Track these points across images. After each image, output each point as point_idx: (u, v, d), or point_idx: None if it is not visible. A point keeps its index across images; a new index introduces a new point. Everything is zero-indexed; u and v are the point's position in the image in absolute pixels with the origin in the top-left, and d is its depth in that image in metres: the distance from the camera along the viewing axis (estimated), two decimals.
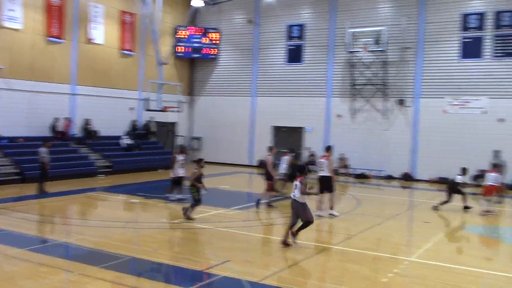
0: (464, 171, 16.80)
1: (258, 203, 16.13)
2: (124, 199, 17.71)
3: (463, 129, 24.31)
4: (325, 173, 15.10)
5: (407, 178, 25.28)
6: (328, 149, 15.85)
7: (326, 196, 15.09)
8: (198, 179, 13.91)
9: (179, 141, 30.76)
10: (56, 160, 20.99)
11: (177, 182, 16.81)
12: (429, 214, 16.17)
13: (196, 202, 13.93)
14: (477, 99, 24.04)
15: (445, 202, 16.52)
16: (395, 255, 11.00)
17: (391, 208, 17.47)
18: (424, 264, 10.30)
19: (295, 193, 11.16)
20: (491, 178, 16.54)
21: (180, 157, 16.79)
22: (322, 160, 15.45)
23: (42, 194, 17.45)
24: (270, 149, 17.08)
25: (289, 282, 8.97)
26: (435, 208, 16.57)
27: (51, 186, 18.28)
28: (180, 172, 16.67)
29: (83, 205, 16.68)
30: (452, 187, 16.72)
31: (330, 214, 15.00)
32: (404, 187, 23.76)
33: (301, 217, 11.17)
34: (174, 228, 13.21)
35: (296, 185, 11.23)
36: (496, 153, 19.75)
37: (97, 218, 14.55)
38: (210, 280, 9.04)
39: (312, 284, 8.89)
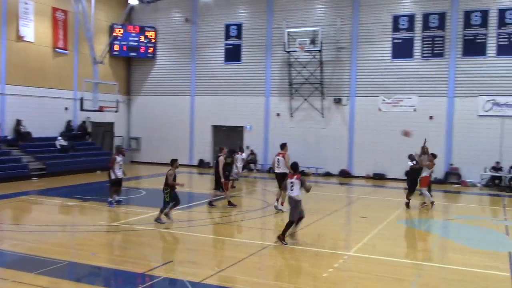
0: (410, 157, 17.44)
1: (210, 204, 16.21)
2: (60, 202, 17.15)
3: (397, 127, 25.23)
4: (281, 170, 15.54)
5: (345, 174, 25.99)
6: (283, 146, 16.23)
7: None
8: (174, 179, 13.66)
9: (117, 141, 30.11)
10: None
11: (117, 183, 16.20)
12: (366, 209, 16.71)
13: (175, 202, 13.60)
14: (409, 98, 25.07)
15: (407, 190, 17.31)
16: (334, 250, 11.30)
17: (330, 204, 17.89)
18: (362, 258, 10.65)
19: (294, 191, 11.45)
20: (424, 170, 17.27)
21: (118, 158, 16.18)
22: (278, 157, 15.85)
23: None
24: (220, 149, 16.99)
25: (231, 281, 9.03)
26: (423, 205, 16.93)
27: None
28: (118, 173, 16.06)
29: (17, 210, 15.99)
30: (412, 174, 17.30)
31: (280, 209, 15.24)
32: (342, 184, 24.41)
33: (291, 214, 11.49)
34: (113, 231, 12.94)
35: (292, 182, 11.49)
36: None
37: (32, 223, 14.02)
38: (151, 282, 8.94)
39: (254, 281, 8.98)
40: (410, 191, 17.04)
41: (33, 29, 25.13)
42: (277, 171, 15.86)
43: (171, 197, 13.51)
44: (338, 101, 26.44)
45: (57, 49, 26.48)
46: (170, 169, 13.80)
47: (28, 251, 10.43)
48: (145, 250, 11.01)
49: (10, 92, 24.20)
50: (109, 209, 15.61)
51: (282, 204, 15.41)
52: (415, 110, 24.96)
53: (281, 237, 11.49)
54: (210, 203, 16.33)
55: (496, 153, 23.41)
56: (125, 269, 9.53)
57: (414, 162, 16.97)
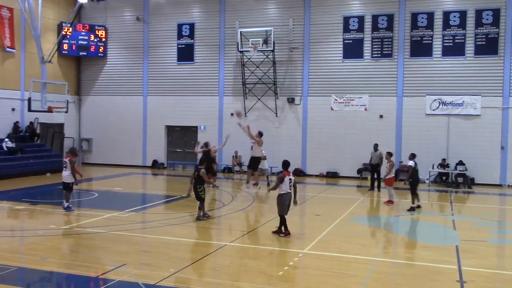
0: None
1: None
2: (8, 206, 16.58)
3: (348, 125, 25.80)
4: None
5: (299, 173, 26.27)
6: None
7: None
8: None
9: (68, 143, 29.35)
10: None
11: (70, 187, 15.49)
12: (320, 207, 16.99)
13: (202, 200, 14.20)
14: (360, 97, 25.62)
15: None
16: (289, 249, 11.44)
17: None
18: (316, 255, 10.84)
19: (288, 188, 12.23)
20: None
21: (73, 160, 15.44)
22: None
23: None
24: (206, 144, 18.90)
25: (187, 282, 9.00)
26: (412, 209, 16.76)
27: None
28: (70, 176, 15.32)
29: None
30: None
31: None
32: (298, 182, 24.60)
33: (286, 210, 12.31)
34: (64, 234, 12.63)
35: (290, 179, 12.31)
36: (376, 146, 21.18)
37: None
38: (105, 285, 8.79)
39: (210, 282, 8.99)
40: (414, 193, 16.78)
41: None
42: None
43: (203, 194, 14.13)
44: (291, 100, 26.73)
45: (6, 48, 25.58)
46: (202, 168, 14.40)
47: None
48: (98, 253, 10.81)
49: None
50: (60, 212, 15.22)
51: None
52: (366, 109, 25.55)
53: (278, 231, 12.38)
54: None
55: (443, 150, 24.29)
56: (78, 273, 9.33)
57: (412, 162, 16.70)
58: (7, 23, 25.83)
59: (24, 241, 12.09)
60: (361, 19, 25.65)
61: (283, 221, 12.44)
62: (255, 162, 19.11)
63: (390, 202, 17.61)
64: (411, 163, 16.63)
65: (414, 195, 16.68)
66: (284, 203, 12.42)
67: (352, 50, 25.77)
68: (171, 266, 9.82)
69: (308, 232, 13.51)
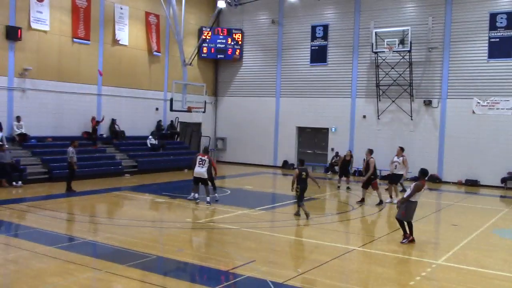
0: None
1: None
2: (150, 198, 17.87)
3: (492, 130, 23.87)
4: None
5: (434, 180, 24.88)
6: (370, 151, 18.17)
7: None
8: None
9: (204, 141, 30.92)
10: (84, 160, 21.35)
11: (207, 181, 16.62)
12: (457, 217, 15.90)
13: (298, 199, 14.66)
14: (506, 100, 23.58)
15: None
16: (422, 258, 10.82)
17: (418, 210, 17.23)
18: (451, 267, 10.14)
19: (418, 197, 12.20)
20: None
21: (204, 158, 16.43)
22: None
23: (70, 192, 17.72)
24: (371, 151, 18.19)
25: (313, 284, 8.93)
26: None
27: (79, 185, 18.56)
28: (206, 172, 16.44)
29: (110, 204, 16.88)
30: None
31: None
32: (430, 189, 23.37)
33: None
34: (198, 228, 13.27)
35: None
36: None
37: (124, 217, 14.71)
38: (234, 280, 9.05)
39: (337, 286, 8.82)
40: None
41: (127, 33, 26.43)
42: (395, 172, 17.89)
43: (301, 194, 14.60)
44: (428, 103, 25.43)
45: (154, 53, 27.69)
46: (298, 169, 14.76)
47: (120, 244, 10.95)
48: (229, 248, 11.18)
49: (106, 93, 25.60)
50: (195, 207, 16.04)
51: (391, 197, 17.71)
52: None
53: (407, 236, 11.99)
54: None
55: None
56: (209, 266, 9.72)
57: None
58: (154, 29, 27.90)
59: (163, 232, 12.91)
60: (510, 15, 23.57)
61: (410, 226, 12.03)
62: (397, 178, 18.20)
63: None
64: None
65: None
66: (413, 210, 12.10)
67: (499, 49, 23.76)
68: (298, 266, 9.83)
69: (444, 242, 12.71)
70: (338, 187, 21.74)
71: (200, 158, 16.46)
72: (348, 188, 21.28)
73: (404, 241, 11.88)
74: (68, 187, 18.02)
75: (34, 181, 19.95)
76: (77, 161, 18.49)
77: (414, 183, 12.09)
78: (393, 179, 18.10)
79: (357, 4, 27.51)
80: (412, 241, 11.92)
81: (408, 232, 12.00)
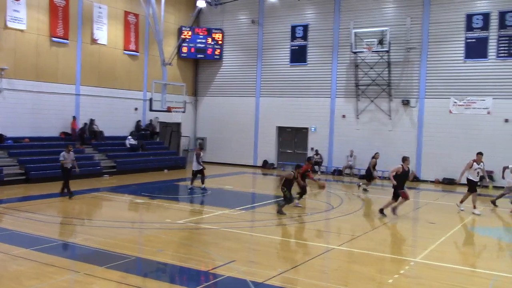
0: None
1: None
2: (129, 199, 17.74)
3: (469, 130, 24.24)
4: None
5: (412, 178, 25.16)
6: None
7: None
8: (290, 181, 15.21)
9: (184, 141, 30.83)
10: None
11: (198, 173, 19.83)
12: (434, 215, 16.13)
13: (287, 200, 15.15)
14: (482, 100, 23.98)
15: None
16: (400, 256, 10.95)
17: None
18: (429, 265, 10.28)
19: None
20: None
21: (201, 153, 20.19)
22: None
23: (69, 194, 17.12)
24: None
25: (294, 283, 8.96)
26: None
27: (56, 186, 18.30)
28: (199, 165, 19.66)
29: (89, 205, 16.69)
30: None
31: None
32: (408, 188, 23.60)
33: None
34: (178, 229, 13.21)
35: None
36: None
37: (103, 218, 14.57)
38: (215, 280, 9.04)
39: (317, 285, 8.86)
40: None
41: (106, 32, 26.18)
42: None
43: (290, 194, 15.19)
44: (406, 102, 25.73)
45: (128, 52, 27.45)
46: (292, 171, 15.52)
47: (98, 246, 10.84)
48: (209, 248, 11.16)
49: (84, 92, 25.32)
50: (176, 207, 15.97)
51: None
52: (489, 113, 23.85)
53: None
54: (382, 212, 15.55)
55: None
56: (189, 266, 9.70)
57: None
58: (133, 28, 27.68)
59: (143, 233, 12.83)
60: (486, 16, 23.97)
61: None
62: (472, 184, 16.78)
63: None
64: None
65: None
66: None
67: (475, 50, 24.16)
68: (279, 266, 9.85)
69: (421, 240, 12.88)
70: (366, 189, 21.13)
71: (199, 154, 19.90)
72: (365, 190, 21.03)
73: None
74: (62, 188, 17.48)
75: (11, 182, 19.63)
76: (73, 165, 17.56)
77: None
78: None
79: (337, 5, 27.69)
80: None
81: None
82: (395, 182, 14.82)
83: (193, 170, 20.09)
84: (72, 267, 9.46)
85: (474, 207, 16.45)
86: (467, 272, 9.87)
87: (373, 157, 21.35)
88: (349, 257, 10.87)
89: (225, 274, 9.14)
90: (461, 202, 16.97)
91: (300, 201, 16.66)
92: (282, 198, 15.56)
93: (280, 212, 15.07)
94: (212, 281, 9.01)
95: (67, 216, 15.20)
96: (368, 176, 21.19)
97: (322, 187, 17.46)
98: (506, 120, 23.46)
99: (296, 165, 16.06)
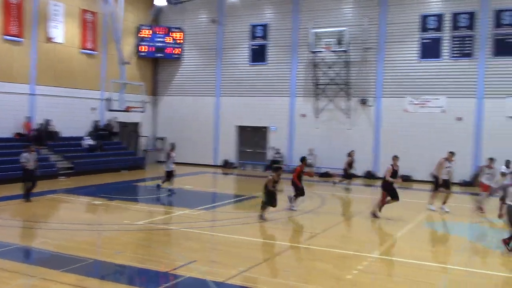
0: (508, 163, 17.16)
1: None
2: (86, 201, 17.40)
3: (424, 128, 24.91)
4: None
5: (370, 176, 25.72)
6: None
7: None
8: (273, 184, 14.30)
9: (143, 141, 30.45)
10: (15, 162, 20.39)
11: (170, 175, 19.21)
12: (391, 211, 16.50)
13: (266, 203, 14.27)
14: (436, 98, 24.68)
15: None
16: (359, 252, 11.15)
17: (354, 206, 17.69)
18: (387, 260, 10.48)
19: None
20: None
21: (173, 154, 19.46)
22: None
23: (25, 196, 16.51)
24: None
25: (255, 282, 9.00)
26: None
27: (10, 189, 17.75)
28: (172, 166, 19.10)
29: (45, 208, 16.26)
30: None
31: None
32: (366, 185, 24.17)
33: None
34: (138, 230, 13.05)
35: None
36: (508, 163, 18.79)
37: (59, 221, 14.23)
38: (175, 281, 8.98)
39: (278, 282, 8.93)
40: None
41: (62, 31, 25.56)
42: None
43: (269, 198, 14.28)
44: (364, 102, 26.20)
45: (85, 50, 26.88)
46: (271, 175, 14.40)
47: (55, 249, 10.60)
48: (169, 249, 11.07)
49: (40, 92, 24.65)
50: (135, 208, 15.76)
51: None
52: (443, 111, 24.56)
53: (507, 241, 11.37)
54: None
55: None
56: (149, 268, 9.59)
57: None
58: (90, 27, 27.13)
59: (101, 235, 12.60)
60: (440, 17, 24.67)
61: None
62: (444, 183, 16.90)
63: (480, 208, 16.60)
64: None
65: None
66: None
67: (430, 50, 24.84)
68: (240, 265, 9.87)
69: (379, 236, 13.15)
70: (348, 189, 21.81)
71: (169, 154, 19.49)
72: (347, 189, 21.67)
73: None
74: (26, 191, 16.82)
75: None
76: (35, 166, 17.05)
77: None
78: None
79: (296, 5, 27.91)
80: None
81: None
82: (393, 180, 15.02)
83: (165, 171, 19.57)
84: (27, 272, 9.21)
85: (444, 203, 16.59)
86: (425, 267, 10.13)
87: (348, 155, 22.17)
88: (309, 255, 10.99)
89: (186, 275, 9.10)
90: (430, 204, 16.91)
91: (296, 203, 16.16)
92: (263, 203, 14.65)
93: (261, 217, 14.32)
94: (172, 282, 8.95)
95: (23, 219, 14.78)
96: (346, 175, 22.01)
97: (310, 175, 17.82)
98: (459, 119, 24.21)
99: (275, 167, 15.02)
